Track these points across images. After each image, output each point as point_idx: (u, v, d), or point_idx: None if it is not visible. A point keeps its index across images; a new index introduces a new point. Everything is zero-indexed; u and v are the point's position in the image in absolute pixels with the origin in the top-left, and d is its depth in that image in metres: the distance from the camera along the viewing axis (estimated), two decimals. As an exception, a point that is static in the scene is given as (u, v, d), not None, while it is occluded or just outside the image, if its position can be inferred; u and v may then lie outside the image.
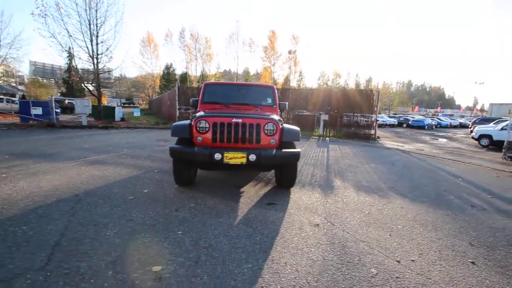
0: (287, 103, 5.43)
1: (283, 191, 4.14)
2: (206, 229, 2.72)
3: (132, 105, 45.63)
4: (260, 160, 3.47)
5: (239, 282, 1.92)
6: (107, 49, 15.38)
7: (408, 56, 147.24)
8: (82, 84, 17.17)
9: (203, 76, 42.25)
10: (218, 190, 4.00)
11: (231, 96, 5.09)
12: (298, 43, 42.63)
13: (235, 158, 3.48)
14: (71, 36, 14.28)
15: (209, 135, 3.64)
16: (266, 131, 3.71)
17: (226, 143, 3.64)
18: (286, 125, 3.98)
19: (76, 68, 15.65)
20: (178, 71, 43.69)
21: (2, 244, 2.29)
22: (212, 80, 40.42)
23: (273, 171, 4.72)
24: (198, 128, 3.67)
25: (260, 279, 1.98)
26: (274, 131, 3.73)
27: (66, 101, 24.45)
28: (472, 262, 2.37)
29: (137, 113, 25.98)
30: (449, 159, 8.43)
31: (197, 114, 3.87)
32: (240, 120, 3.65)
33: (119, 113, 19.89)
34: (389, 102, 59.68)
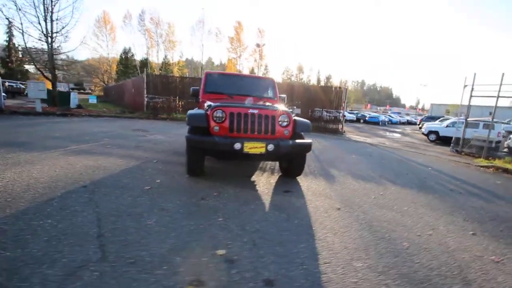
0: (285, 96, 5.61)
1: (291, 180, 4.35)
2: (244, 216, 2.80)
3: (83, 91, 41.43)
4: (280, 150, 3.62)
5: (304, 259, 2.08)
6: (63, 27, 13.78)
7: (362, 56, 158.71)
8: (33, 65, 15.12)
9: (165, 64, 40.23)
10: (231, 180, 4.04)
11: (233, 87, 5.10)
12: (263, 36, 43.01)
13: (255, 148, 3.57)
14: (19, 9, 12.45)
15: (226, 125, 3.66)
16: (280, 123, 3.86)
17: (243, 133, 3.70)
18: (297, 118, 4.17)
19: (27, 47, 13.70)
20: (138, 56, 40.90)
21: (38, 239, 2.10)
22: (176, 69, 38.82)
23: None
24: (214, 118, 3.66)
25: (319, 256, 2.16)
26: (288, 123, 3.91)
27: (7, 84, 21.31)
28: (473, 234, 2.87)
29: (93, 100, 23.65)
30: (412, 151, 9.53)
31: (212, 104, 3.84)
32: (256, 111, 3.74)
33: (74, 99, 18.03)
34: (346, 99, 63.93)
